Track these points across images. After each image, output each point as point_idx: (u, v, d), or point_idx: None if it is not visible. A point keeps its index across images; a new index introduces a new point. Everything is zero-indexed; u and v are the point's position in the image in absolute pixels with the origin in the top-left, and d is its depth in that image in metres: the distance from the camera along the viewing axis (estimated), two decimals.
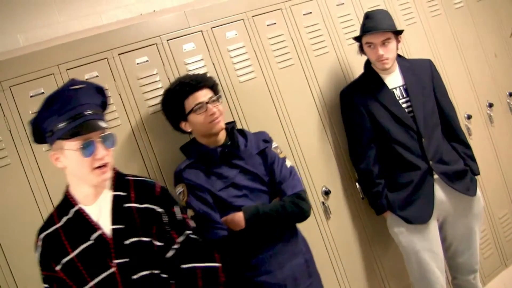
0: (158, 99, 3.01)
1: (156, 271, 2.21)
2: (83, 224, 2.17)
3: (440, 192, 3.24)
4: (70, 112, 2.07)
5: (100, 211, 2.20)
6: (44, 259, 2.19)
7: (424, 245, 3.24)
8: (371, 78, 3.37)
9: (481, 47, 4.47)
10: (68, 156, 2.08)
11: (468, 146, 3.45)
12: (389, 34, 3.22)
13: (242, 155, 2.83)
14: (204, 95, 2.77)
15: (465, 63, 4.33)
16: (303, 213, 2.83)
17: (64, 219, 2.20)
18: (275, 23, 3.47)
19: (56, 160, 2.13)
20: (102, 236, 2.16)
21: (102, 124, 2.12)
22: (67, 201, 2.22)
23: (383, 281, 3.65)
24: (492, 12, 4.63)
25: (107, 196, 2.23)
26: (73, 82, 2.15)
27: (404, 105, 3.28)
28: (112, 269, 2.14)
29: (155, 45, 3.07)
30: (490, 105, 4.37)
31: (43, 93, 2.74)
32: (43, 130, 2.11)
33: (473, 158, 3.42)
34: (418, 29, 4.13)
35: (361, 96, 3.33)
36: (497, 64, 4.54)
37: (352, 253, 3.55)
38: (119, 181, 2.29)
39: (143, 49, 3.04)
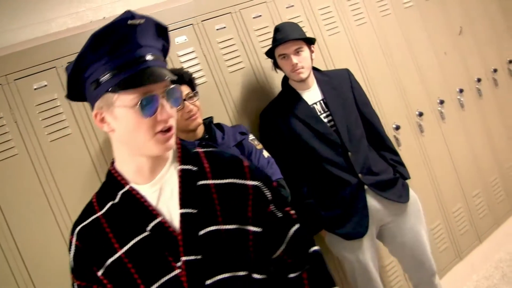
0: None
1: (242, 273, 1.63)
2: (136, 209, 1.62)
3: (373, 202, 3.21)
4: (126, 55, 1.49)
5: (160, 192, 1.64)
6: (80, 262, 1.63)
7: (366, 256, 3.23)
8: (289, 96, 3.31)
9: (431, 46, 4.56)
10: (119, 115, 1.52)
11: (395, 153, 3.46)
12: (301, 43, 3.19)
13: (219, 148, 2.86)
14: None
15: (416, 61, 4.40)
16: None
17: (109, 204, 1.66)
18: (225, 27, 3.50)
19: (101, 122, 1.57)
20: (163, 225, 1.59)
21: (168, 74, 1.53)
22: (113, 181, 1.67)
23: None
24: (441, 10, 4.72)
25: (171, 172, 1.67)
26: (130, 14, 1.49)
27: (325, 120, 3.23)
28: (176, 271, 1.57)
29: None
30: (441, 102, 4.45)
31: None
32: (84, 79, 1.53)
33: (402, 164, 3.43)
34: (368, 29, 4.19)
35: (281, 116, 3.24)
36: (447, 62, 4.63)
37: None
38: (186, 153, 1.74)
39: None
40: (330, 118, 3.24)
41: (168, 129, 1.55)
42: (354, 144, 3.22)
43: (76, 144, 2.91)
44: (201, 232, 1.59)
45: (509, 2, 5.31)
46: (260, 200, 1.72)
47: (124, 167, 1.65)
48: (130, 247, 1.58)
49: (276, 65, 3.34)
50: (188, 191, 1.63)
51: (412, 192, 3.34)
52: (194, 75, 3.16)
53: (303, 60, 3.18)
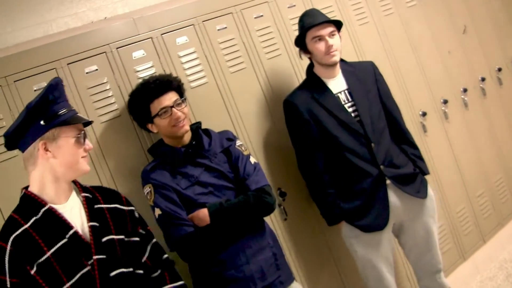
0: (109, 108, 3.01)
1: (130, 269, 2.26)
2: (56, 222, 2.14)
3: (393, 197, 3.22)
4: (67, 102, 2.25)
5: (71, 211, 2.21)
6: (15, 263, 2.05)
7: (379, 253, 3.25)
8: (314, 84, 3.31)
9: (435, 45, 4.54)
10: (61, 144, 2.16)
11: (416, 147, 3.46)
12: (334, 27, 3.22)
13: (206, 154, 2.89)
14: (169, 98, 2.82)
15: (419, 60, 4.39)
16: (267, 207, 2.89)
17: (33, 219, 2.13)
18: (226, 28, 3.48)
19: (45, 150, 2.14)
20: (77, 234, 2.15)
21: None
22: (33, 201, 2.16)
23: (343, 281, 3.69)
24: (444, 9, 4.69)
25: (76, 198, 2.27)
26: (60, 78, 2.27)
27: (350, 109, 3.23)
28: (87, 268, 2.13)
29: (105, 53, 3.05)
30: (445, 102, 4.43)
31: None
32: (51, 111, 2.15)
33: (421, 158, 3.44)
34: (371, 28, 4.18)
35: (305, 104, 3.25)
36: (451, 61, 4.61)
37: (310, 255, 3.58)
38: (83, 187, 2.35)
39: (92, 57, 3.02)
40: (354, 108, 3.25)
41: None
42: (377, 135, 3.23)
43: None
44: (104, 239, 2.21)
45: None
46: (133, 220, 2.44)
47: (45, 191, 2.19)
48: (55, 250, 2.10)
49: (304, 50, 3.33)
50: (92, 210, 2.25)
51: (430, 189, 3.35)
52: (192, 77, 3.19)
53: (337, 44, 3.21)
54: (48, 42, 3.02)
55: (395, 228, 3.34)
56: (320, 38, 3.19)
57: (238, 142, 3.02)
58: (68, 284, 2.08)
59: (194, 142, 2.91)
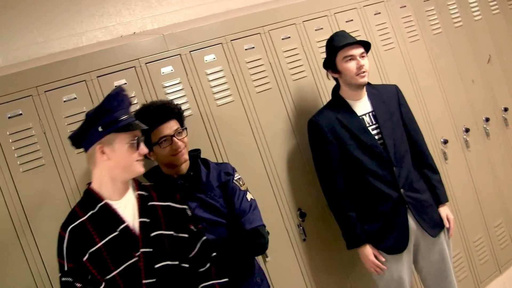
0: None
1: (176, 262, 2.44)
2: (110, 216, 2.36)
3: (411, 221, 3.23)
4: (126, 109, 2.41)
5: (125, 207, 2.41)
6: (71, 250, 2.31)
7: (403, 272, 3.26)
8: (339, 105, 3.33)
9: (459, 73, 4.53)
10: (116, 148, 2.34)
11: (437, 171, 3.47)
12: (363, 49, 3.25)
13: (202, 188, 2.82)
14: (170, 127, 2.75)
15: (442, 88, 4.38)
16: (260, 248, 2.86)
17: (90, 212, 2.36)
18: (253, 47, 3.50)
19: (102, 153, 2.34)
20: (127, 228, 2.36)
21: (142, 125, 2.42)
22: (92, 197, 2.40)
23: None
24: (470, 38, 4.69)
25: (132, 195, 2.47)
26: (122, 88, 2.44)
27: (373, 132, 3.25)
28: (135, 259, 2.33)
29: (134, 68, 3.09)
30: (467, 130, 4.42)
31: (21, 114, 2.77)
32: (107, 119, 2.32)
33: (442, 184, 3.44)
34: (396, 54, 4.18)
35: (329, 124, 3.26)
36: (474, 90, 4.60)
37: (327, 276, 3.58)
38: (140, 185, 2.56)
39: (121, 71, 3.05)
40: (378, 131, 3.26)
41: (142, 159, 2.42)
42: (399, 158, 3.24)
43: None
44: (152, 234, 2.39)
45: None
46: (185, 218, 2.58)
47: (103, 188, 2.40)
48: (106, 241, 2.31)
49: (334, 70, 3.32)
50: (144, 207, 2.44)
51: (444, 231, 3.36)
52: (218, 95, 3.19)
53: (367, 65, 3.23)
54: (78, 55, 3.05)
55: (414, 251, 3.33)
56: (351, 58, 3.21)
57: (236, 176, 2.93)
58: (115, 272, 2.31)
59: (191, 173, 2.85)
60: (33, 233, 2.74)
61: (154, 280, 2.34)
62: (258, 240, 2.80)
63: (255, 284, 2.88)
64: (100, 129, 2.31)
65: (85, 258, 2.29)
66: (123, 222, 2.36)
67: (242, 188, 2.89)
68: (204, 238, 2.61)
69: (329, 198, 3.36)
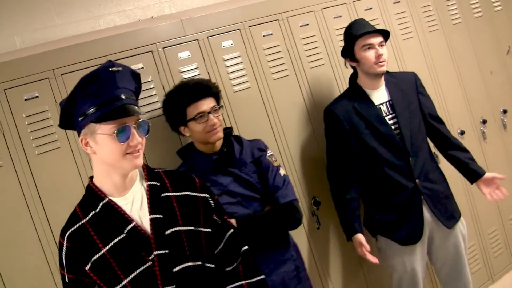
0: (152, 106, 3.04)
1: (198, 263, 2.08)
2: (114, 216, 2.02)
3: (426, 213, 3.21)
4: (107, 94, 1.91)
5: (132, 202, 2.06)
6: (71, 259, 2.01)
7: (417, 263, 3.25)
8: (356, 94, 3.30)
9: (477, 64, 4.50)
10: (99, 141, 1.94)
11: (466, 150, 3.43)
12: (382, 38, 3.23)
13: (236, 163, 2.85)
14: (207, 104, 2.77)
15: (461, 79, 4.35)
16: (295, 222, 2.86)
17: (91, 213, 2.03)
18: (271, 34, 3.49)
19: (86, 145, 1.98)
20: (136, 228, 2.00)
21: (138, 110, 1.97)
22: (93, 194, 2.06)
23: None
24: (489, 29, 4.65)
25: (140, 187, 2.10)
26: (111, 63, 1.95)
27: (390, 122, 3.22)
28: (149, 263, 1.98)
29: (151, 52, 3.09)
30: (484, 122, 4.39)
31: (37, 96, 2.77)
32: (75, 113, 1.94)
33: (474, 160, 3.42)
34: (415, 43, 4.16)
35: (346, 113, 3.24)
36: (492, 81, 4.56)
37: (340, 266, 3.57)
38: (151, 172, 2.17)
39: (138, 56, 3.05)
40: (394, 120, 3.24)
41: (137, 151, 1.98)
42: (415, 148, 3.22)
43: None
44: (167, 232, 2.04)
45: None
46: (207, 208, 2.19)
47: (103, 183, 2.06)
48: (111, 246, 1.99)
49: (352, 59, 3.28)
50: (155, 201, 2.07)
51: (462, 220, 3.36)
52: (235, 81, 3.19)
53: (385, 53, 3.21)
54: (95, 38, 3.05)
55: (428, 243, 3.32)
56: (370, 47, 3.18)
57: (269, 153, 2.98)
58: (125, 281, 1.97)
59: (225, 150, 2.88)
60: (48, 217, 2.75)
61: (173, 286, 1.99)
62: (292, 214, 2.83)
63: (291, 258, 2.90)
64: (80, 118, 1.94)
65: (87, 268, 1.98)
66: (131, 221, 2.01)
67: (275, 164, 2.93)
68: (232, 231, 2.25)
69: (332, 185, 3.34)
